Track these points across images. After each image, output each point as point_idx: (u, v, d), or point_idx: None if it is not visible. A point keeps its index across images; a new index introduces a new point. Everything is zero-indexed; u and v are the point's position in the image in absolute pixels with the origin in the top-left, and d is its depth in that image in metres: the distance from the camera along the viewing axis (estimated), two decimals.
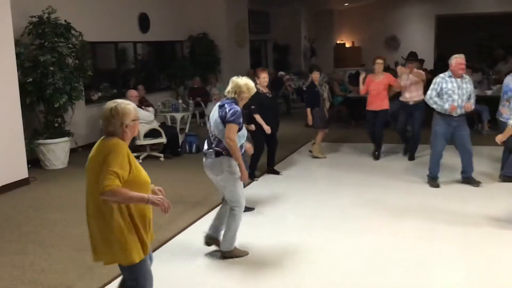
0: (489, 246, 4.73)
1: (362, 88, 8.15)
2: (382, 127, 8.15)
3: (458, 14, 18.44)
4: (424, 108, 7.67)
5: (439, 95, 6.29)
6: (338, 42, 20.30)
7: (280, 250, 4.84)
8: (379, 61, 7.96)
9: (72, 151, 8.62)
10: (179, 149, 8.94)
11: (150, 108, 9.01)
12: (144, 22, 11.38)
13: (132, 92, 8.72)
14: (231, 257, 4.59)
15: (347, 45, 20.38)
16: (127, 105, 3.01)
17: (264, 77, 6.83)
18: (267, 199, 6.34)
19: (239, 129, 4.36)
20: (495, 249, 4.66)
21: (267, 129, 6.76)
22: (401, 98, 8.11)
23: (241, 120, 4.35)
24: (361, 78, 8.24)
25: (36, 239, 5.17)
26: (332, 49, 19.81)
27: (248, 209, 5.58)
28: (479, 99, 9.62)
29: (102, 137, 3.03)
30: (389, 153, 8.53)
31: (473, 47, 17.13)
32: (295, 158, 8.56)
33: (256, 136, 6.91)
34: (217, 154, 4.37)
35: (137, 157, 8.53)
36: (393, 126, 9.23)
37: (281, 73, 14.69)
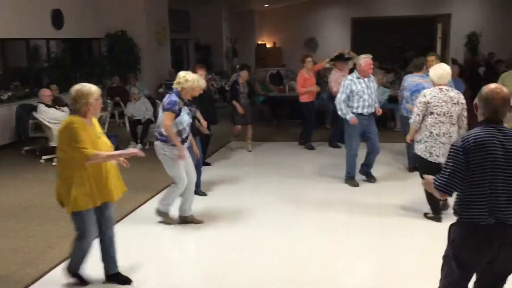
0: (402, 236, 4.99)
1: (302, 89, 8.79)
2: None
3: (372, 17, 19.28)
4: None
5: (349, 97, 6.49)
6: (259, 42, 20.52)
7: (200, 246, 4.81)
8: (309, 59, 8.90)
9: None
10: None
11: (65, 108, 8.61)
12: (57, 19, 10.87)
13: (45, 91, 8.29)
14: (163, 219, 5.36)
15: (268, 45, 20.65)
16: (91, 87, 3.70)
17: (201, 74, 7.07)
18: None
19: (176, 116, 4.95)
20: (407, 239, 4.92)
21: (204, 124, 6.86)
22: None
23: (176, 108, 4.94)
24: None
25: None
26: (254, 50, 20.00)
27: (203, 193, 6.36)
28: (392, 98, 10.15)
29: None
30: (314, 152, 8.76)
31: (387, 49, 18.04)
32: (218, 157, 8.55)
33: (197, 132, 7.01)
34: (156, 138, 5.13)
35: (52, 159, 8.14)
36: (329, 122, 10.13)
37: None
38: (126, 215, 5.66)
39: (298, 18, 19.59)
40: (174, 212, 5.45)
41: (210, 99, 7.87)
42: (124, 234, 5.07)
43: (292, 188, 6.67)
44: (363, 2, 18.68)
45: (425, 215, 5.44)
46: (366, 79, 6.50)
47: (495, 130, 2.75)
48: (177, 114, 4.98)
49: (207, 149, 7.90)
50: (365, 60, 6.47)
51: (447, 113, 5.15)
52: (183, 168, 5.16)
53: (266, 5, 19.55)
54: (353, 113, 6.46)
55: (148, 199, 6.20)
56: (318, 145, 9.00)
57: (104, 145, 3.77)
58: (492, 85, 2.85)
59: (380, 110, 6.75)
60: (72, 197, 3.63)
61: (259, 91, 11.96)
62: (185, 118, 5.08)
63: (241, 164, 8.22)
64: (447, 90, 5.19)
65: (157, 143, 5.14)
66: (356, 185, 6.66)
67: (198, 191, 6.32)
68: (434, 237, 4.89)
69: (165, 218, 5.39)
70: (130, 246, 4.87)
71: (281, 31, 20.24)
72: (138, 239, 5.04)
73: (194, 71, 7.17)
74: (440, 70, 5.21)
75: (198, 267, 4.46)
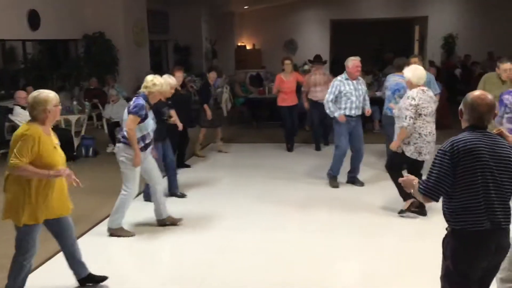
0: (384, 236, 5.04)
1: (275, 90, 8.82)
2: (297, 120, 8.97)
3: (350, 19, 19.43)
4: None
5: (337, 98, 6.51)
6: (239, 44, 20.50)
7: (180, 249, 4.78)
8: (287, 61, 8.71)
9: None
10: (75, 153, 8.51)
11: None
12: (34, 20, 10.68)
13: (21, 93, 8.16)
14: (116, 235, 5.02)
15: (248, 47, 20.64)
16: (49, 93, 3.62)
17: (179, 76, 7.13)
18: (168, 200, 6.23)
19: (142, 120, 4.85)
20: (390, 239, 4.97)
21: (180, 126, 6.77)
22: (310, 97, 8.75)
23: (143, 112, 4.85)
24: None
25: None
26: (234, 51, 19.98)
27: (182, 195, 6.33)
28: (370, 100, 10.22)
29: (29, 119, 3.63)
30: (294, 153, 8.74)
31: (365, 50, 18.17)
32: (198, 158, 8.50)
33: (171, 131, 6.86)
34: (118, 141, 5.00)
35: None
36: (309, 123, 9.97)
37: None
38: (102, 220, 5.56)
39: (277, 19, 19.61)
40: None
41: (188, 101, 7.82)
42: (101, 238, 5.02)
43: (274, 189, 6.67)
44: (342, 4, 18.80)
45: (400, 212, 5.50)
46: (355, 81, 6.51)
47: (481, 135, 2.75)
48: (143, 118, 4.90)
49: (185, 151, 7.85)
50: (352, 62, 6.46)
51: (431, 113, 5.28)
52: (139, 175, 5.07)
53: (245, 7, 19.55)
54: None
55: None
56: (299, 147, 9.00)
57: (59, 157, 3.70)
58: (477, 92, 2.85)
59: (370, 111, 6.77)
60: (31, 208, 3.54)
61: (239, 93, 11.96)
62: (150, 123, 5.03)
63: (221, 166, 8.20)
64: (427, 90, 5.32)
65: (120, 145, 4.97)
66: (336, 186, 6.67)
67: (177, 193, 6.29)
68: (416, 236, 4.96)
69: (120, 233, 5.08)
70: (106, 250, 4.82)
71: (261, 33, 20.25)
72: (114, 243, 4.97)
73: (172, 73, 7.16)
74: (419, 71, 5.31)
75: (178, 270, 4.42)
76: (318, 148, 8.92)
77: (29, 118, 3.68)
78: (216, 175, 7.52)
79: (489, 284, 2.86)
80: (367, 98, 6.70)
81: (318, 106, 8.41)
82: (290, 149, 8.88)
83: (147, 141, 5.03)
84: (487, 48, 15.91)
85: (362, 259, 4.56)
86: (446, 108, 10.03)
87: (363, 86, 6.65)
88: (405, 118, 5.16)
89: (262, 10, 19.78)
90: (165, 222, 5.33)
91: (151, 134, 5.09)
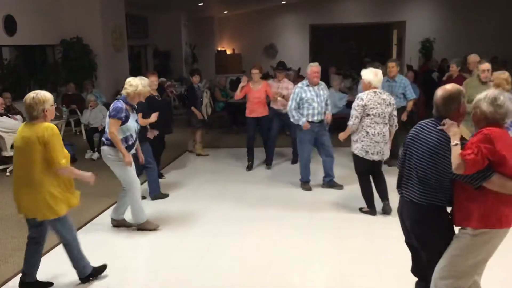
0: (359, 237, 5.06)
1: (238, 94, 7.93)
2: (267, 132, 8.11)
3: (329, 24, 19.59)
4: None
5: (299, 105, 6.52)
6: (219, 49, 20.52)
7: (159, 255, 4.75)
8: (254, 71, 7.86)
9: None
10: None
11: (18, 117, 8.38)
12: (10, 25, 10.54)
13: None
14: (144, 229, 5.31)
15: (228, 52, 20.67)
16: (45, 93, 3.83)
17: (153, 80, 6.98)
18: (148, 205, 6.19)
19: (124, 123, 4.96)
20: (364, 240, 4.99)
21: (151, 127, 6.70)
22: (273, 106, 8.07)
23: (122, 115, 4.95)
24: (242, 84, 7.96)
25: None
26: (214, 56, 19.98)
27: (163, 195, 6.51)
28: (350, 104, 10.30)
29: (26, 121, 3.81)
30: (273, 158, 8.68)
31: (344, 54, 18.35)
32: (178, 163, 8.49)
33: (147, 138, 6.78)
34: (103, 144, 5.11)
35: (5, 170, 7.90)
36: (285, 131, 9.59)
37: (162, 79, 14.43)
38: (84, 224, 5.55)
39: (257, 24, 19.70)
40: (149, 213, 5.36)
41: (166, 106, 7.76)
42: (82, 244, 4.95)
43: (251, 193, 6.68)
44: (322, 9, 18.96)
45: (360, 209, 5.76)
46: (316, 87, 6.54)
47: (429, 123, 3.20)
48: (123, 121, 4.98)
49: (160, 158, 7.66)
50: (310, 68, 6.54)
51: (381, 114, 5.43)
52: (133, 169, 5.18)
53: (225, 12, 19.58)
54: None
55: (106, 208, 6.09)
56: (277, 151, 8.99)
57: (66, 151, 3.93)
58: (446, 85, 3.18)
59: (329, 116, 6.54)
60: (64, 198, 3.84)
61: (219, 97, 11.95)
62: (132, 124, 5.09)
63: (201, 171, 8.18)
64: (380, 93, 5.49)
65: (104, 148, 5.11)
66: (309, 189, 6.72)
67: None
68: (390, 237, 5.00)
69: (147, 226, 5.34)
70: (87, 256, 4.75)
71: (241, 38, 20.31)
72: (95, 249, 4.92)
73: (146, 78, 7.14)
74: (380, 76, 5.52)
75: (158, 276, 4.39)
76: (268, 163, 8.15)
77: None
78: (194, 180, 7.50)
79: (420, 253, 3.40)
80: (329, 103, 6.66)
81: (278, 115, 8.00)
82: (249, 167, 8.03)
83: (129, 142, 5.10)
84: (464, 52, 16.17)
85: (339, 261, 4.58)
86: (423, 111, 10.18)
87: (325, 91, 6.63)
88: (351, 117, 5.47)
89: (242, 15, 19.84)
90: (118, 224, 5.49)
91: (134, 136, 5.15)
